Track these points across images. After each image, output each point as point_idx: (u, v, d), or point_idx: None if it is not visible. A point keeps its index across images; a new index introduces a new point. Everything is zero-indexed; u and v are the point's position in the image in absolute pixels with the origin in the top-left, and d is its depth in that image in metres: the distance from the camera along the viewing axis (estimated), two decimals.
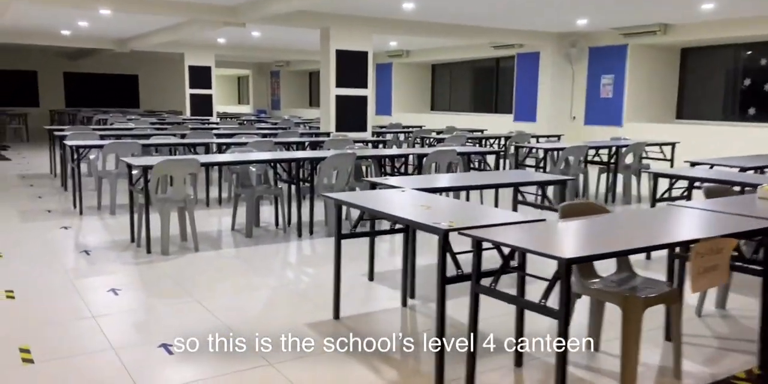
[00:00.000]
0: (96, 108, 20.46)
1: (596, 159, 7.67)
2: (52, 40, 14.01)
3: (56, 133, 8.03)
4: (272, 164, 5.85)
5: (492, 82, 15.12)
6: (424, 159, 6.16)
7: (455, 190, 3.97)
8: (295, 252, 5.12)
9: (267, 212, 6.50)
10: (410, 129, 12.93)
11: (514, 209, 4.74)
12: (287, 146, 8.38)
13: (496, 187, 4.49)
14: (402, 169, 6.43)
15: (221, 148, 7.36)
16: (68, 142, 6.52)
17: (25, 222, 5.96)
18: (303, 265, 4.68)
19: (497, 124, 13.43)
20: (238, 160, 5.33)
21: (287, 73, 22.49)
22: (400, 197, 3.47)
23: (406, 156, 6.19)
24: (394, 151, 6.77)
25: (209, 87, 16.07)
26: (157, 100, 21.90)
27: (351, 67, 9.80)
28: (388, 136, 11.05)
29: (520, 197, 4.78)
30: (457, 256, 2.61)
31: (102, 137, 8.03)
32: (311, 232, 5.66)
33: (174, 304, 3.72)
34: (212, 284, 4.11)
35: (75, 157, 6.53)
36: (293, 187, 5.73)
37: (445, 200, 3.51)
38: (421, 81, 17.32)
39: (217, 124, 13.00)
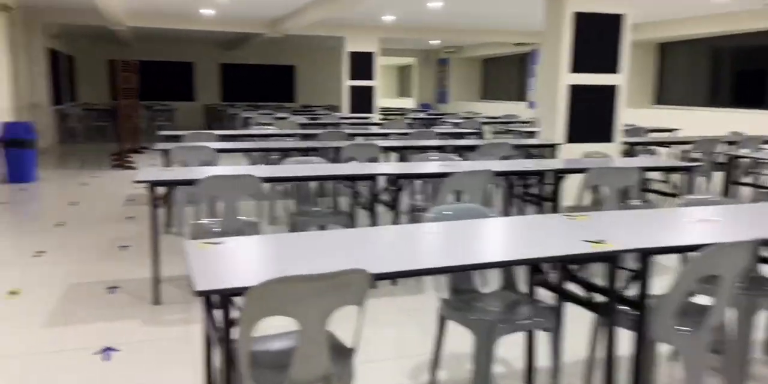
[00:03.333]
0: (251, 102, 18.71)
1: None
2: (197, 24, 11.94)
3: (159, 144, 5.40)
4: None
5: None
6: None
7: None
8: None
9: None
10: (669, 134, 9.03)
11: None
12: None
13: None
14: None
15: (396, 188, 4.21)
16: (141, 176, 3.71)
17: (52, 326, 3.24)
18: None
19: None
20: None
21: (458, 60, 19.22)
22: None
23: None
24: None
25: (371, 77, 13.25)
26: (315, 93, 19.73)
27: (597, 40, 6.23)
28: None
29: None
30: None
31: (221, 152, 5.29)
32: None
33: None
34: None
35: (154, 197, 3.75)
36: None
37: None
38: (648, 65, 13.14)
39: (380, 125, 10.07)
